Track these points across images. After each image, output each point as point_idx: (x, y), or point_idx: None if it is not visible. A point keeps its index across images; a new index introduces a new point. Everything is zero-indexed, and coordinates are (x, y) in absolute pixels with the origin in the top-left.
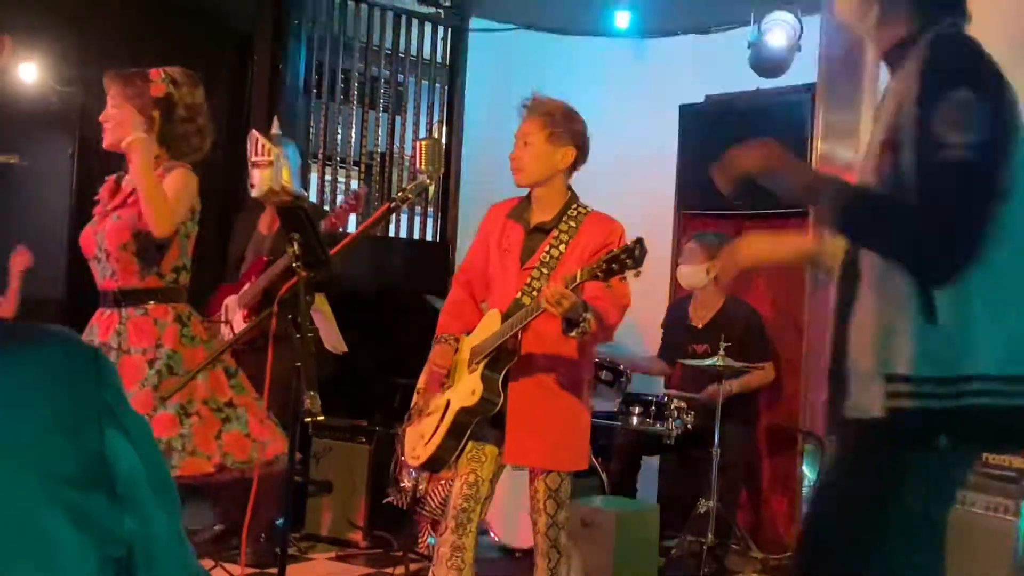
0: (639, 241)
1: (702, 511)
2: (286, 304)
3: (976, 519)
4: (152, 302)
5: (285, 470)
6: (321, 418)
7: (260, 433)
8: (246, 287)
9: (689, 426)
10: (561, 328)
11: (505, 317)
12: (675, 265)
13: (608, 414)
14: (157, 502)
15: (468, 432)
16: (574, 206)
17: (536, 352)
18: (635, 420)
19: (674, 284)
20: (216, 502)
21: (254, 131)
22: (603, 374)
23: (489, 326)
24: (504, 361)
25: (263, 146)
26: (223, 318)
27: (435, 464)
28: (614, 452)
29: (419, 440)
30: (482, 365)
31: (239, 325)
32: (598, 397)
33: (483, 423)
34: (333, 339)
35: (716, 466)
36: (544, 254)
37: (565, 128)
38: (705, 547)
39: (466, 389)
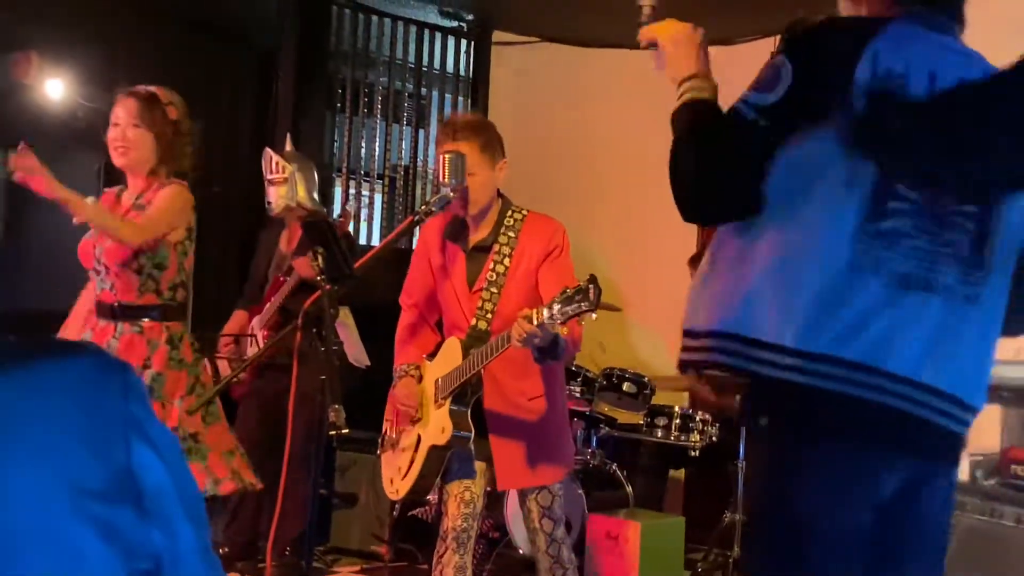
0: (592, 280)
1: (728, 524)
2: (310, 318)
3: (1007, 532)
4: (147, 319)
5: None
6: (346, 431)
7: (217, 468)
8: (265, 308)
9: (714, 438)
10: (534, 358)
11: (465, 346)
12: None
13: (633, 427)
14: (184, 516)
15: (443, 466)
16: (508, 213)
17: (506, 376)
18: (660, 432)
19: None
20: (228, 524)
21: (268, 149)
22: (626, 386)
23: (451, 357)
24: (471, 394)
25: (277, 164)
26: (250, 333)
27: (414, 497)
28: (639, 464)
29: (396, 473)
30: (449, 401)
31: (262, 342)
32: (623, 410)
33: (463, 456)
34: (356, 352)
35: (741, 478)
36: (490, 272)
37: (495, 141)
38: (731, 560)
39: (436, 427)
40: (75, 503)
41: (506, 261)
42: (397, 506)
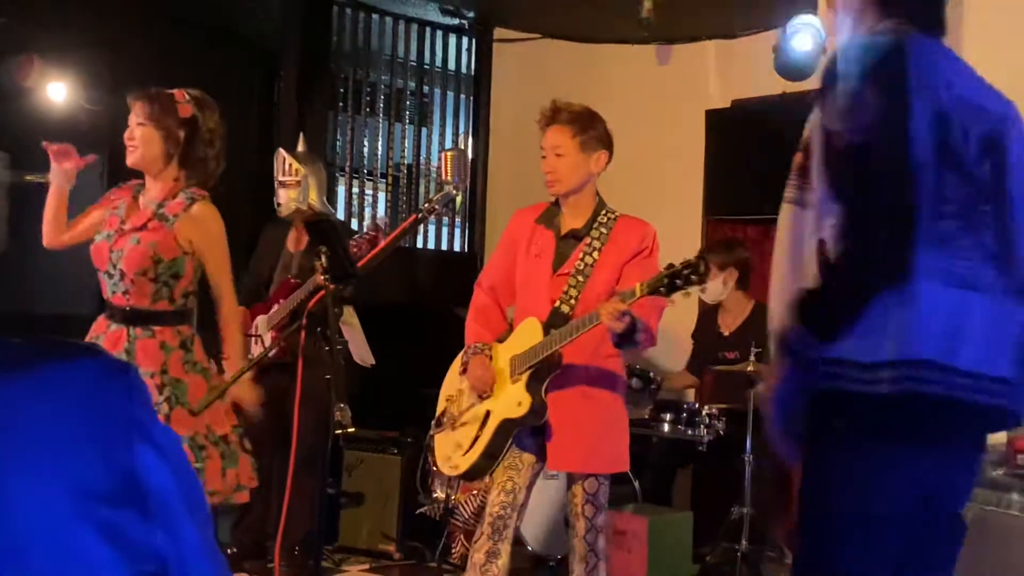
0: (702, 257)
1: (736, 518)
2: (314, 317)
3: (1014, 521)
4: (159, 325)
5: (319, 483)
6: (352, 430)
7: (243, 475)
8: (274, 309)
9: (721, 432)
10: (612, 342)
11: (546, 326)
12: None
13: (640, 422)
14: (189, 517)
15: (509, 442)
16: (603, 211)
17: (574, 359)
18: (667, 427)
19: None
20: (236, 524)
21: (281, 150)
22: (633, 381)
23: (529, 336)
24: (548, 372)
25: (290, 165)
26: (254, 333)
27: (474, 474)
28: (646, 460)
29: (455, 450)
30: (527, 376)
31: (269, 343)
32: (629, 404)
33: (523, 432)
34: (361, 351)
35: (749, 472)
36: (579, 261)
37: (594, 133)
38: (739, 554)
39: (511, 400)
40: (79, 506)
41: (595, 253)
42: (446, 478)
